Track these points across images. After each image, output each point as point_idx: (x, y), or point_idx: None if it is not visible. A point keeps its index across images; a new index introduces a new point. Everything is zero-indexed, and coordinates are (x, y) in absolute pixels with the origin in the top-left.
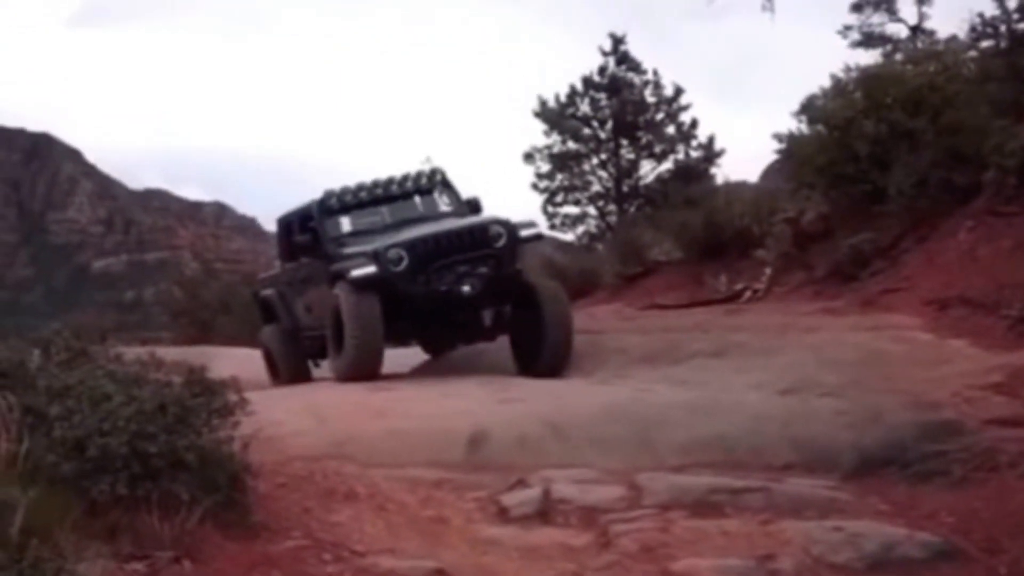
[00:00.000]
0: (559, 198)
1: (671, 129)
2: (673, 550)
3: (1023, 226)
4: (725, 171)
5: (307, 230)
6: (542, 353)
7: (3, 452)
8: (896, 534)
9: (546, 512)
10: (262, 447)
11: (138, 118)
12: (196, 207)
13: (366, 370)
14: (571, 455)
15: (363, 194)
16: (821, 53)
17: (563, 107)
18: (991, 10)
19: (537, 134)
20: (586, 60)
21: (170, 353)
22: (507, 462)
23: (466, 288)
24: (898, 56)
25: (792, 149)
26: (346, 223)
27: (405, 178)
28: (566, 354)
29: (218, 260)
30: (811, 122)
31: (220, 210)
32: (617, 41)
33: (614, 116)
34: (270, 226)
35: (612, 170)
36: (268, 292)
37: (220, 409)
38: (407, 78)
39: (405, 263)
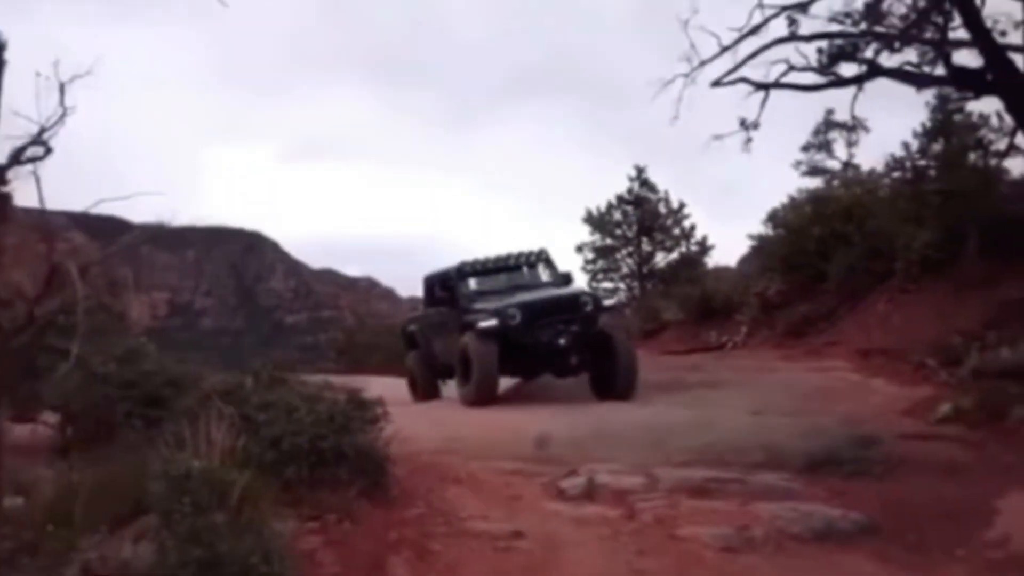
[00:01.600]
0: (600, 276)
1: (677, 231)
2: (679, 521)
3: (924, 300)
4: (714, 259)
5: (446, 287)
6: (616, 384)
7: (226, 447)
8: (834, 514)
9: (590, 493)
10: (400, 445)
11: (319, 217)
12: (354, 280)
13: (486, 398)
14: (608, 453)
15: (488, 264)
16: (781, 179)
17: (603, 215)
18: (900, 151)
19: (585, 233)
20: (619, 182)
21: (338, 380)
22: (563, 457)
23: (561, 341)
24: (835, 183)
25: (762, 245)
26: (474, 284)
27: (520, 254)
28: (633, 385)
29: (368, 316)
30: (775, 227)
31: (370, 283)
32: (640, 170)
33: (638, 222)
34: (405, 293)
35: (636, 258)
36: (413, 328)
37: (371, 418)
38: (501, 185)
39: (518, 319)
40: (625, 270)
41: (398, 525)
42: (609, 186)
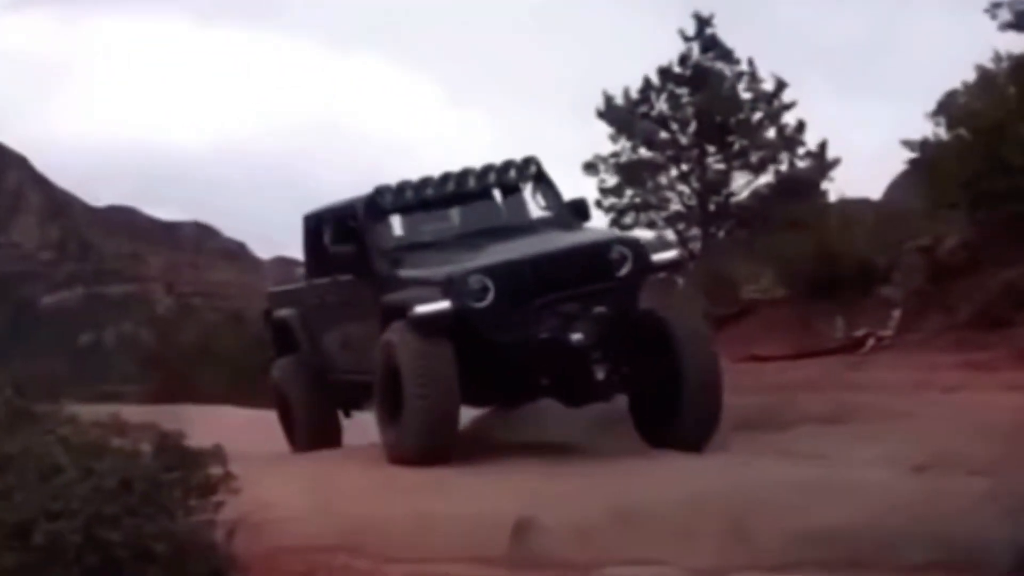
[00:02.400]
0: (628, 218)
1: (771, 133)
2: None
3: None
4: (840, 186)
5: (347, 236)
6: (681, 418)
7: None
8: None
9: None
10: (251, 535)
11: (100, 119)
12: (171, 228)
13: (435, 449)
14: (644, 549)
15: (429, 191)
16: (962, 38)
17: (634, 105)
18: None
19: (602, 139)
20: (664, 47)
21: (137, 413)
22: (562, 556)
23: (576, 336)
24: None
25: (927, 160)
26: (403, 229)
27: (488, 171)
28: (714, 420)
29: (197, 294)
30: (952, 125)
31: (201, 232)
32: (703, 23)
33: (698, 116)
34: (264, 251)
35: (696, 184)
36: (286, 313)
37: (200, 486)
38: (434, 69)
39: (491, 297)
40: (676, 206)
41: None
42: (647, 53)
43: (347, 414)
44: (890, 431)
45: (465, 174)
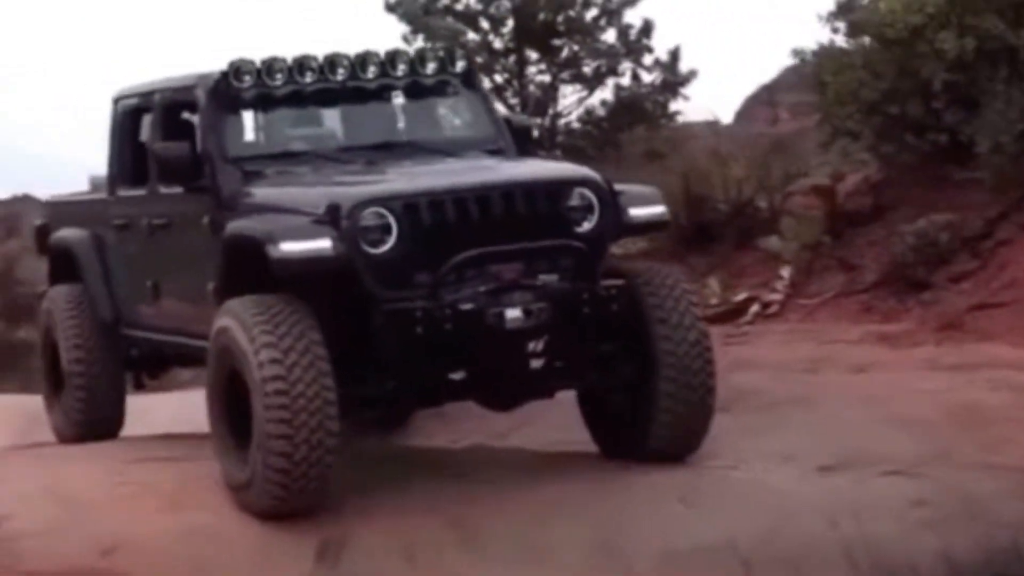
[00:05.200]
0: None
1: (611, 36)
2: None
3: None
4: (697, 106)
5: (179, 132)
6: (656, 420)
7: None
8: None
9: None
10: None
11: None
12: None
13: (304, 493)
14: (490, 572)
15: (306, 78)
16: None
17: None
18: None
19: (393, 39)
20: None
21: None
22: None
23: (513, 314)
24: None
25: (821, 74)
26: (265, 133)
27: (394, 57)
28: (703, 422)
29: None
30: (854, 31)
31: None
32: None
33: (516, 12)
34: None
35: (513, 100)
36: (72, 236)
37: None
38: None
39: (392, 240)
40: None
41: None
42: None
43: (139, 383)
44: (786, 422)
45: (363, 59)
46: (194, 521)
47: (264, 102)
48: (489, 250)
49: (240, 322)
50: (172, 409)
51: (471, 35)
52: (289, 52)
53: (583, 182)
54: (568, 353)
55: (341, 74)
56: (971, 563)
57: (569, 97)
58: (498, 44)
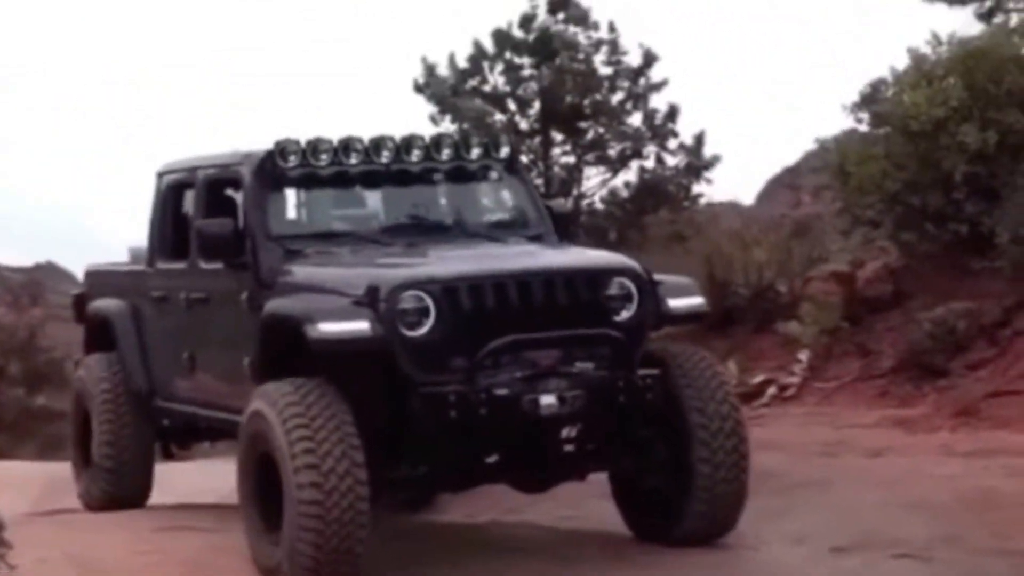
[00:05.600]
0: None
1: (636, 119)
2: None
3: None
4: (722, 187)
5: (222, 208)
6: (690, 503)
7: None
8: None
9: None
10: None
11: None
12: None
13: (340, 570)
14: None
15: (351, 159)
16: (888, 14)
17: (462, 77)
18: None
19: (421, 119)
20: (502, 4)
21: None
22: None
23: (548, 401)
24: (1011, 19)
25: (844, 164)
26: (307, 211)
27: (439, 142)
28: (738, 504)
29: None
30: (877, 122)
31: None
32: None
33: (543, 95)
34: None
35: (539, 180)
36: (110, 306)
37: None
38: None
39: (430, 323)
40: None
41: None
42: (479, 13)
43: (167, 453)
44: (802, 504)
45: (408, 142)
46: None
47: (308, 182)
48: (526, 337)
49: (273, 406)
50: (197, 478)
51: (498, 116)
52: (325, 132)
53: (623, 272)
54: (602, 439)
55: (386, 156)
56: None
57: (593, 179)
58: (524, 125)
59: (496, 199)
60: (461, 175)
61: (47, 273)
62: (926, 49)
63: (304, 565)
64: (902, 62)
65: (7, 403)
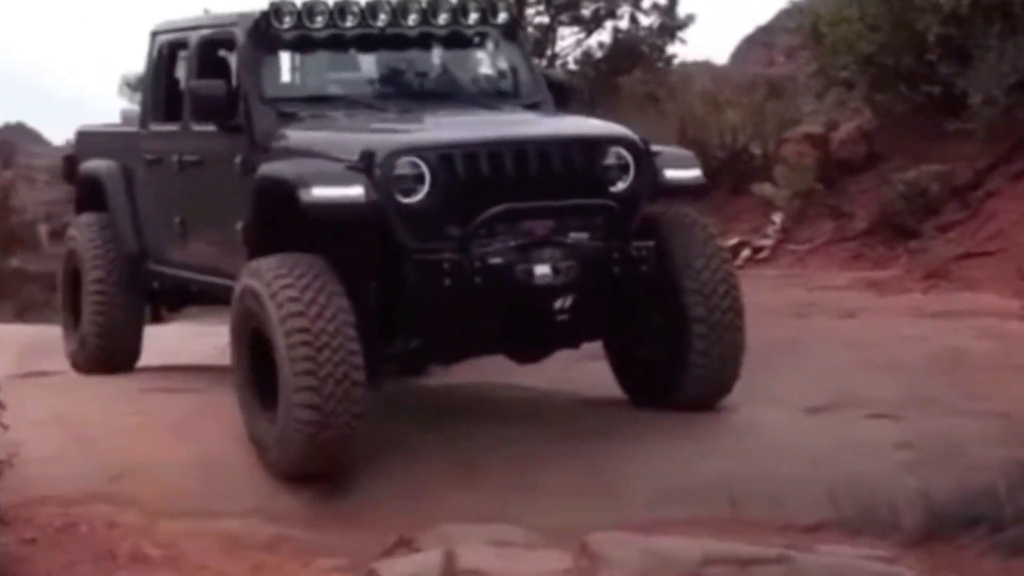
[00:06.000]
0: None
1: None
2: None
3: None
4: (692, 49)
5: (216, 70)
6: (687, 370)
7: None
8: None
9: None
10: (4, 481)
11: None
12: None
13: (330, 455)
14: (484, 503)
15: (348, 21)
16: None
17: None
18: None
19: None
20: None
21: None
22: (380, 510)
23: (542, 270)
24: None
25: (818, 25)
26: (301, 76)
27: (435, 5)
28: (734, 371)
29: None
30: None
31: None
32: None
33: None
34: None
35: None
36: (101, 167)
37: None
38: None
39: (425, 190)
40: None
41: None
42: None
43: (157, 317)
44: (776, 365)
45: (404, 6)
46: (202, 450)
47: (303, 44)
48: (521, 206)
49: (265, 284)
50: (183, 340)
51: None
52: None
53: (620, 141)
54: (597, 309)
55: (382, 20)
56: (950, 505)
57: (567, 39)
58: None
59: (493, 66)
60: (458, 40)
61: (16, 134)
62: None
63: (301, 434)
64: None
65: None
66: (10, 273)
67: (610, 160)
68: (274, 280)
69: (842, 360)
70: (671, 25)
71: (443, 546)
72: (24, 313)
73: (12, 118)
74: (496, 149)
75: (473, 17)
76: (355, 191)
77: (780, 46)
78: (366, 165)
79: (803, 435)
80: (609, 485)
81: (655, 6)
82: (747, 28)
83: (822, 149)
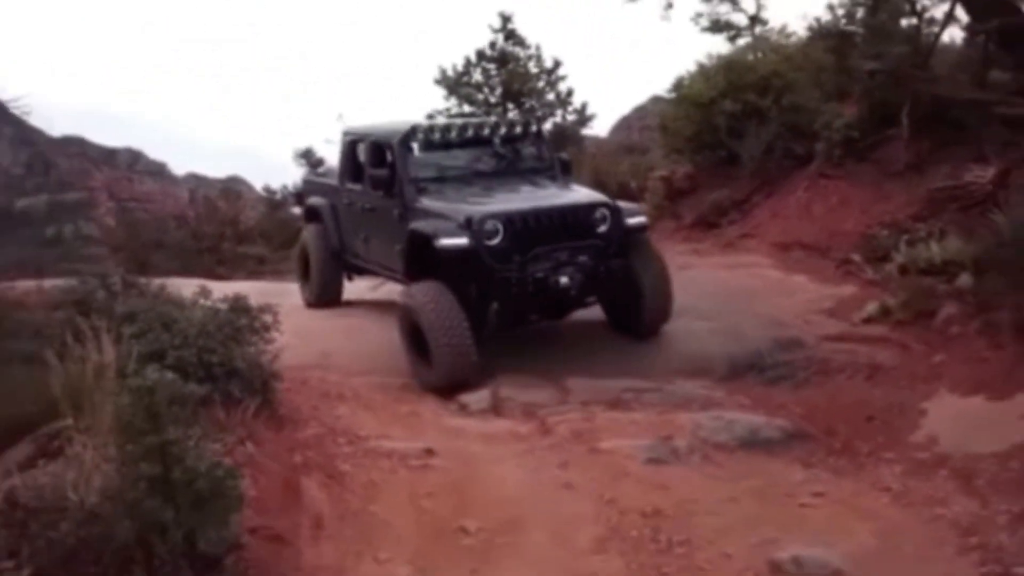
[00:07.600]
0: None
1: (551, 95)
2: (598, 434)
3: (846, 187)
4: (594, 130)
5: (381, 161)
6: (642, 314)
7: (96, 363)
8: (758, 421)
9: (496, 407)
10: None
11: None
12: (111, 153)
13: (462, 377)
14: (519, 367)
15: (452, 135)
16: (680, 37)
17: (460, 75)
18: (824, 13)
19: (438, 98)
20: (479, 37)
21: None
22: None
23: (563, 280)
24: (740, 42)
25: (663, 120)
26: (428, 165)
27: (498, 122)
28: (666, 315)
29: (131, 200)
30: (680, 101)
31: (132, 156)
32: (506, 20)
33: (503, 84)
34: (179, 168)
35: None
36: (318, 202)
37: (258, 328)
38: (316, 47)
39: (500, 238)
40: None
41: (300, 447)
42: (467, 41)
43: (349, 278)
44: None
45: (482, 123)
46: (364, 342)
47: (428, 147)
48: (551, 245)
49: (417, 301)
50: (359, 290)
51: (479, 95)
52: (410, 114)
53: (603, 204)
54: (593, 292)
55: (470, 133)
56: (739, 360)
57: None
58: (493, 100)
59: (530, 153)
60: (511, 140)
61: (234, 183)
62: (704, 59)
63: (442, 377)
64: (692, 67)
65: (226, 251)
66: (241, 255)
67: (597, 215)
68: (423, 298)
69: (681, 291)
70: (584, 119)
71: (492, 386)
72: (251, 276)
73: (231, 171)
74: (536, 214)
75: (518, 129)
76: (463, 240)
77: (635, 127)
78: (468, 224)
79: (667, 328)
80: (589, 362)
81: (575, 110)
82: (624, 111)
83: (667, 184)
